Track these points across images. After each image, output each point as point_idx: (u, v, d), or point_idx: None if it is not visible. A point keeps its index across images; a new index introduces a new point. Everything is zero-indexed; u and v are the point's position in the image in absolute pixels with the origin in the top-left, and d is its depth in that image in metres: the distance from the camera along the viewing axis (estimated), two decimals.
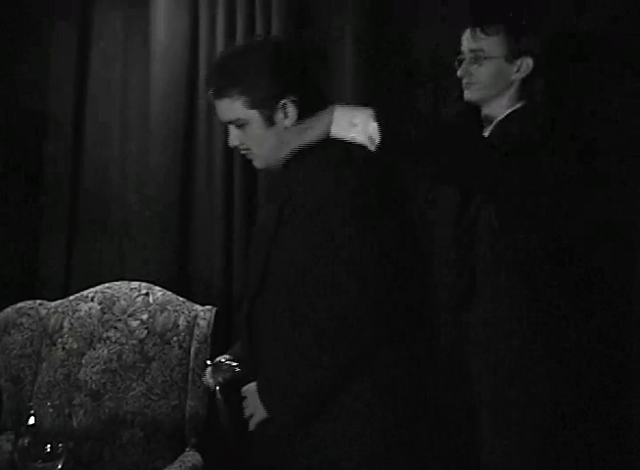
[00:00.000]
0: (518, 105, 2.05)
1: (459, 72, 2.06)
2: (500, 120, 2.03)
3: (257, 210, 2.85)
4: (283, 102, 1.76)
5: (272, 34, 2.75)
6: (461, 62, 2.07)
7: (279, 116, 1.78)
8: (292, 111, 1.77)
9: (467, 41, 2.05)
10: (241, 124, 1.81)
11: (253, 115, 1.78)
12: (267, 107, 1.77)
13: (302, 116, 1.78)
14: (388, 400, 1.70)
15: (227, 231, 2.88)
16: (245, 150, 1.86)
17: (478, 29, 2.02)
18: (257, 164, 1.88)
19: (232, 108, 1.79)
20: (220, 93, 1.80)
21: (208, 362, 2.00)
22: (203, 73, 2.93)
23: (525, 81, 2.04)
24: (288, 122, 1.78)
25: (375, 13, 2.68)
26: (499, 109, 2.05)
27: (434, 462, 1.80)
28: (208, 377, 1.95)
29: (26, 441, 1.73)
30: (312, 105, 1.77)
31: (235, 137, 1.84)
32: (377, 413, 1.69)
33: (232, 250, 2.86)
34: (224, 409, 1.90)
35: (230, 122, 1.83)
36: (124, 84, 3.06)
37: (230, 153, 2.87)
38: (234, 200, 2.86)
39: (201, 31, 2.94)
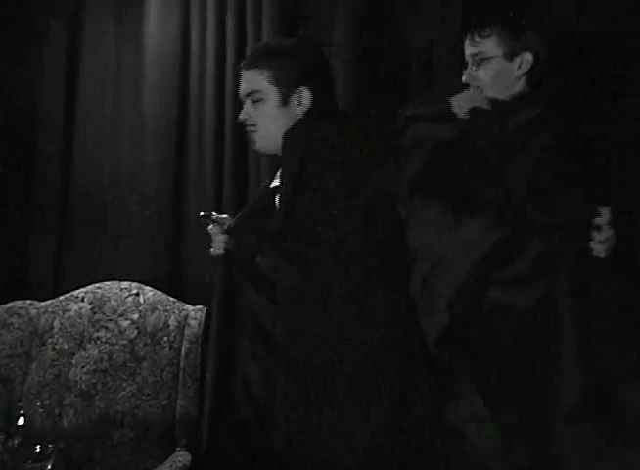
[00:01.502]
0: (532, 110, 2.04)
1: (464, 79, 2.08)
2: (517, 127, 2.04)
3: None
4: (301, 88, 1.89)
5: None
6: (466, 68, 2.09)
7: (294, 100, 1.90)
8: (306, 99, 1.90)
9: (466, 48, 2.08)
10: (257, 99, 1.92)
11: (272, 90, 1.90)
12: (286, 87, 1.89)
13: (313, 109, 1.90)
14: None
15: None
16: (251, 127, 1.95)
17: (474, 34, 2.05)
18: (258, 145, 1.98)
19: (256, 79, 1.92)
20: (250, 64, 1.93)
21: (213, 216, 2.19)
22: (194, 75, 2.95)
23: (530, 79, 2.05)
24: (300, 110, 1.90)
25: (366, 15, 2.68)
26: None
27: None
28: (218, 239, 2.14)
29: (16, 441, 1.72)
30: (324, 102, 1.90)
31: (246, 112, 1.95)
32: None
33: None
34: (222, 275, 2.22)
35: (248, 95, 1.93)
36: (117, 84, 3.06)
37: (221, 153, 2.88)
38: (224, 200, 2.87)
39: (192, 34, 2.95)
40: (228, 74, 2.87)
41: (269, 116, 1.91)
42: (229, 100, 2.86)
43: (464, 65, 2.09)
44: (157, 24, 2.97)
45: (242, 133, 2.84)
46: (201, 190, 2.93)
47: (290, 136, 1.86)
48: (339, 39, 2.69)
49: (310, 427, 1.80)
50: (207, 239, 2.20)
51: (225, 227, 2.16)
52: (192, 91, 2.96)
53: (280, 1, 2.78)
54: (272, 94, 1.90)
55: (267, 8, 2.78)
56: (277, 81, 1.89)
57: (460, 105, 1.93)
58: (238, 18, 2.86)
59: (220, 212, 2.85)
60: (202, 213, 2.20)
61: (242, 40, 2.85)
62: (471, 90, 1.95)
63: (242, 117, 1.95)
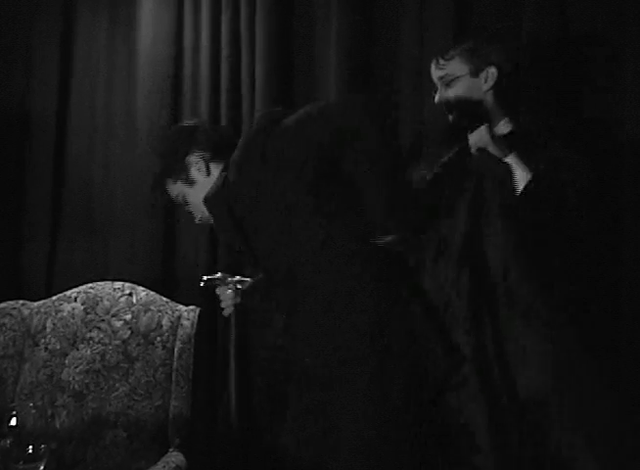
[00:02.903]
0: (505, 123, 2.12)
1: (436, 100, 2.16)
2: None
3: None
4: (189, 159, 2.05)
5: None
6: (436, 91, 2.17)
7: (194, 174, 2.06)
8: (202, 166, 2.05)
9: (434, 73, 2.17)
10: (184, 201, 2.11)
11: (181, 187, 2.08)
12: (182, 171, 2.07)
13: (214, 160, 2.07)
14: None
15: (211, 231, 2.88)
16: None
17: (439, 59, 2.14)
18: (197, 217, 2.17)
19: (172, 190, 2.11)
20: (160, 187, 2.14)
21: (218, 276, 2.25)
22: (187, 76, 2.95)
23: (498, 91, 2.12)
24: (202, 173, 2.06)
25: (359, 8, 2.69)
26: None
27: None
28: (228, 299, 2.21)
29: (8, 442, 1.72)
30: (218, 145, 2.07)
31: (177, 196, 2.13)
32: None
33: (216, 250, 2.87)
34: (234, 330, 2.22)
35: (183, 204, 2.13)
36: (109, 86, 3.05)
37: None
38: None
39: (185, 35, 2.95)
40: (223, 76, 2.87)
41: (195, 205, 2.09)
42: (223, 101, 2.86)
43: (433, 88, 2.17)
44: (150, 26, 2.97)
45: (236, 134, 2.86)
46: None
47: (211, 200, 2.03)
48: (333, 39, 2.70)
49: (320, 430, 1.82)
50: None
51: (231, 285, 2.24)
52: (185, 93, 2.96)
53: (274, 2, 2.78)
54: (184, 189, 2.08)
55: (261, 9, 2.77)
56: (176, 176, 2.08)
57: (472, 143, 2.06)
58: (233, 18, 2.86)
59: None
60: (204, 278, 2.25)
61: (236, 41, 2.85)
62: (482, 128, 2.03)
63: (175, 197, 2.13)
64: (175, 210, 2.96)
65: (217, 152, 2.08)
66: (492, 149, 2.01)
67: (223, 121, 2.86)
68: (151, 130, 2.95)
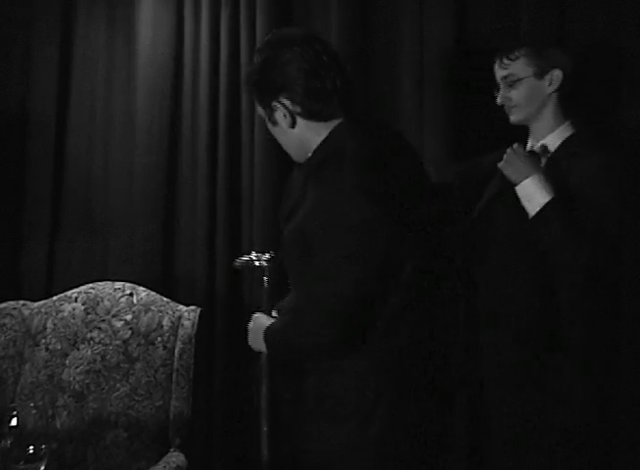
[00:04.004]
0: (567, 125, 2.13)
1: (499, 100, 2.17)
2: (556, 150, 2.11)
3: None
4: (274, 103, 1.81)
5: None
6: (499, 90, 2.17)
7: (279, 116, 1.82)
8: (288, 116, 1.81)
9: (497, 71, 2.16)
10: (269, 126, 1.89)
11: (262, 113, 1.86)
12: (266, 106, 1.83)
13: (304, 118, 1.80)
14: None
15: (211, 232, 2.88)
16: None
17: (503, 58, 2.13)
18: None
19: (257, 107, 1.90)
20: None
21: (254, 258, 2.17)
22: (187, 76, 2.95)
23: (562, 94, 2.12)
24: (286, 122, 1.82)
25: (359, 8, 2.69)
26: (546, 124, 2.14)
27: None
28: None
29: (9, 442, 1.72)
30: (310, 108, 1.79)
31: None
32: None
33: (216, 250, 2.87)
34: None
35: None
36: (109, 87, 3.05)
37: (214, 154, 2.88)
38: (217, 201, 2.86)
39: (185, 35, 2.95)
40: (222, 75, 2.87)
41: (276, 136, 1.89)
42: (223, 101, 2.87)
43: (496, 87, 2.16)
44: (149, 26, 2.96)
45: (235, 134, 2.87)
46: (194, 192, 2.93)
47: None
48: (333, 39, 2.70)
49: (319, 436, 1.81)
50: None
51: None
52: (185, 92, 2.96)
53: (273, 1, 2.78)
54: (265, 116, 1.86)
55: (260, 8, 2.77)
56: (260, 103, 1.86)
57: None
58: (232, 18, 2.86)
59: (214, 212, 2.87)
60: (237, 261, 2.19)
61: (235, 40, 2.85)
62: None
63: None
64: (175, 210, 2.97)
65: (308, 110, 1.79)
66: (507, 172, 2.03)
67: (222, 121, 2.86)
68: (151, 130, 2.95)
